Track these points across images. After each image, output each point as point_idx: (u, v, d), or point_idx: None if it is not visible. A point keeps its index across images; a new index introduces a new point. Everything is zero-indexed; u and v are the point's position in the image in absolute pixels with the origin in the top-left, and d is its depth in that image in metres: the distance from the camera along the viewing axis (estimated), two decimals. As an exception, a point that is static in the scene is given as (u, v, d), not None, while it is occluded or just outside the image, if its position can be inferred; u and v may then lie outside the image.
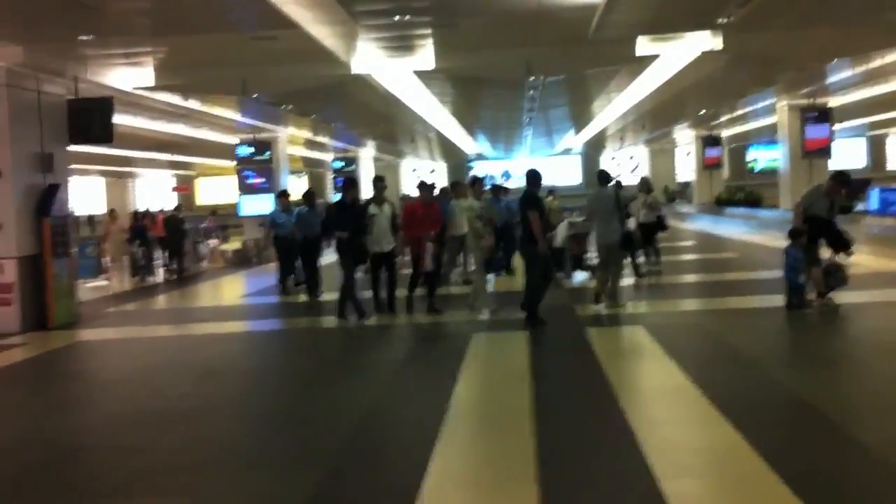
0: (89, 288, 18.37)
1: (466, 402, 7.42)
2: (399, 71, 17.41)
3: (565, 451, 5.83)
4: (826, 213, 11.12)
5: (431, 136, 35.45)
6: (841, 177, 11.34)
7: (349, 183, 13.27)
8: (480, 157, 49.33)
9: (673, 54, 16.91)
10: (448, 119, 29.91)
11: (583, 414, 6.82)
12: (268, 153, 25.67)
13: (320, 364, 9.85)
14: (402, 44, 15.43)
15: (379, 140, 37.40)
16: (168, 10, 11.94)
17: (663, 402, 7.26)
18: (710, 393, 6.95)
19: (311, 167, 44.79)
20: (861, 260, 16.21)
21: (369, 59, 16.23)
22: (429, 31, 14.61)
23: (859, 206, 24.02)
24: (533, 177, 11.23)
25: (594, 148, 47.68)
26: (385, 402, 7.62)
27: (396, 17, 13.25)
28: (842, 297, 11.20)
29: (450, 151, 44.70)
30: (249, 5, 11.40)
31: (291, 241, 15.75)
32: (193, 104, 20.44)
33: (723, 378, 7.79)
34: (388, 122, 29.40)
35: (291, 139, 28.81)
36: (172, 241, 20.54)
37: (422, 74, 18.12)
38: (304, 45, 13.88)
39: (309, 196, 16.20)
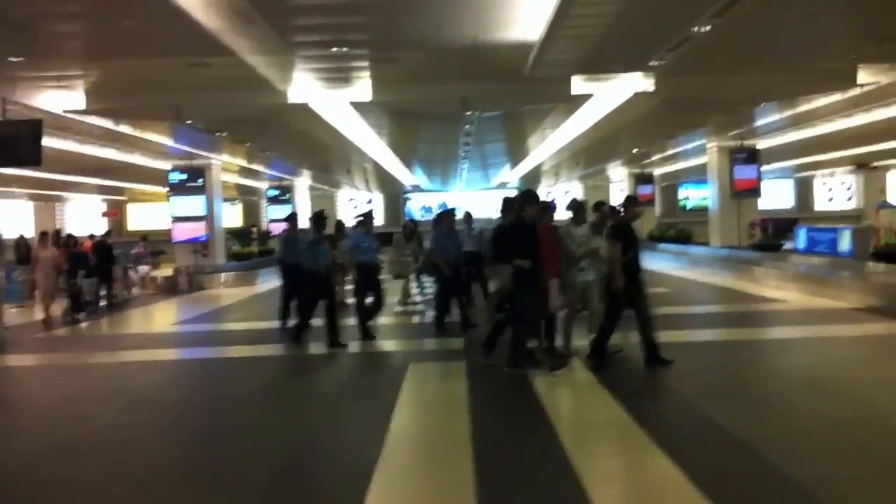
0: (15, 313, 17.88)
1: (404, 432, 7.36)
2: (336, 102, 17.41)
3: (503, 482, 5.84)
4: None
5: (368, 167, 35.46)
6: None
7: (528, 197, 9.99)
8: (417, 188, 49.49)
9: (606, 94, 17.22)
10: (385, 151, 29.95)
11: (521, 446, 6.79)
12: (201, 180, 25.39)
13: (255, 392, 9.66)
14: (339, 75, 15.45)
15: (315, 170, 37.26)
16: (101, 33, 11.79)
17: (601, 435, 7.28)
18: (646, 425, 7.01)
19: (245, 195, 44.39)
20: (790, 297, 16.65)
21: (306, 88, 16.21)
22: (366, 63, 14.68)
23: (787, 245, 24.66)
24: (628, 202, 10.22)
25: (530, 182, 48.16)
26: (322, 432, 7.53)
27: (334, 49, 13.29)
28: (774, 332, 11.38)
29: (386, 183, 44.73)
30: (185, 31, 11.30)
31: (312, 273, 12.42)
32: (125, 129, 20.12)
33: (659, 411, 7.89)
34: (324, 152, 29.33)
35: (226, 166, 28.54)
36: (102, 267, 20.00)
37: (359, 106, 18.15)
38: (239, 73, 13.84)
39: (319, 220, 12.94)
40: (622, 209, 10.74)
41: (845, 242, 20.46)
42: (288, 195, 38.07)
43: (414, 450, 6.92)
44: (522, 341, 9.74)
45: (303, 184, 39.84)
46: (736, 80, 16.47)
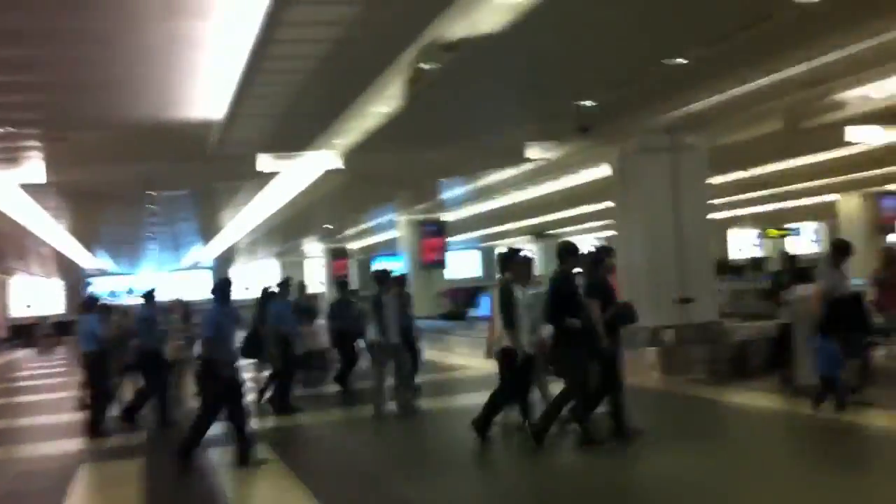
0: None
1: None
2: (4, 184, 16.12)
3: None
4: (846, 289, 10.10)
5: (44, 252, 33.04)
6: (843, 243, 10.91)
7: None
8: (102, 272, 46.80)
9: (295, 171, 17.24)
10: (63, 234, 28.07)
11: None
12: None
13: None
14: (7, 156, 14.39)
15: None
16: None
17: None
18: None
19: None
20: (472, 363, 17.32)
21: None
22: (38, 143, 13.81)
23: (472, 312, 25.78)
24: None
25: (224, 262, 47.12)
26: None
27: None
28: (460, 400, 11.62)
29: (67, 267, 41.91)
30: None
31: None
32: None
33: (344, 491, 7.68)
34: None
35: None
36: None
37: (30, 188, 16.90)
38: None
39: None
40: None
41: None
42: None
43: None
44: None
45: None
46: (419, 157, 17.16)
